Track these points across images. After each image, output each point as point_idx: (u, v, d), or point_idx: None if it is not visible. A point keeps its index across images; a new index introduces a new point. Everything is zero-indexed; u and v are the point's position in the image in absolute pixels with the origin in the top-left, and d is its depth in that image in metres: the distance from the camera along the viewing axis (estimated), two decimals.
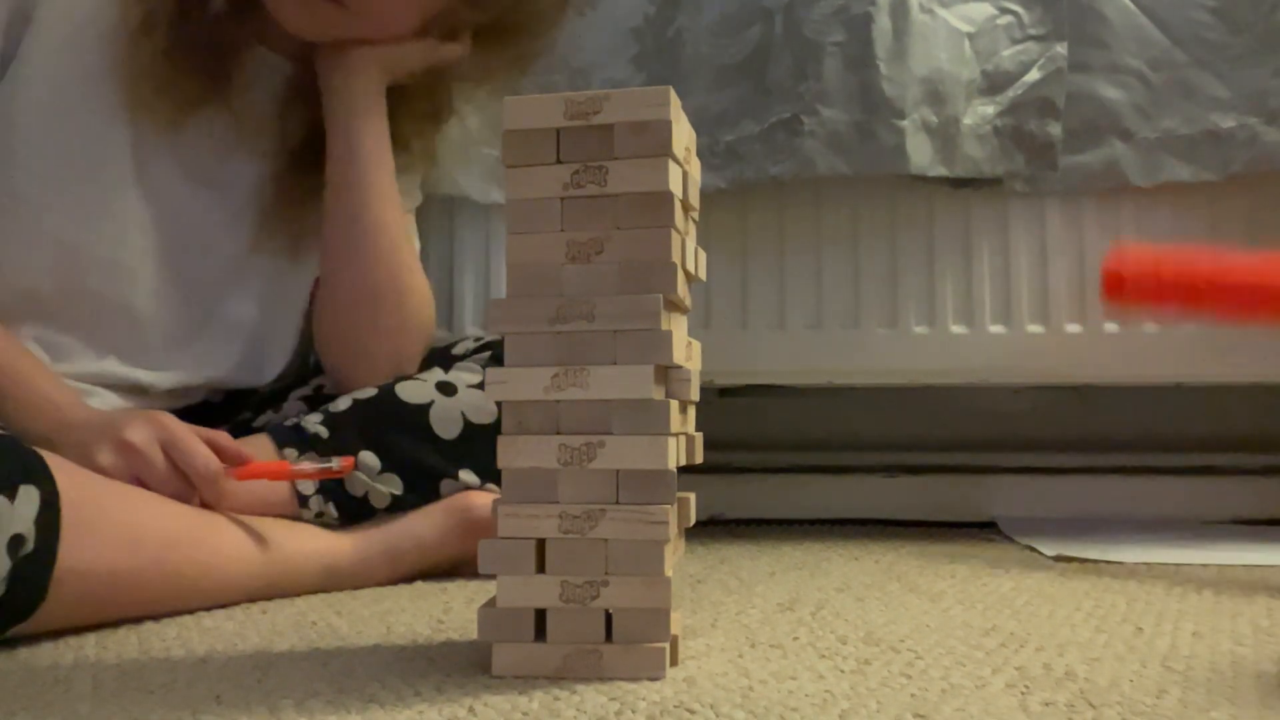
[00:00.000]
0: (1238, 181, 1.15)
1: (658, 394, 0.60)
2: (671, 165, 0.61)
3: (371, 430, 0.95)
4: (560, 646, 0.60)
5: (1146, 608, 0.79)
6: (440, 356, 1.05)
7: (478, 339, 1.08)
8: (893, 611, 0.78)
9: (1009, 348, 1.18)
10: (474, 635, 0.70)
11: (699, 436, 0.69)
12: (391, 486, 0.94)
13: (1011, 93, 1.15)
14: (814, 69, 1.12)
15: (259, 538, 0.86)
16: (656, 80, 1.18)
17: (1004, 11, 1.16)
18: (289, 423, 0.96)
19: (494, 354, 1.04)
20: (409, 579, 0.94)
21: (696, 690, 0.57)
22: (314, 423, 0.95)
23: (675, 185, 0.62)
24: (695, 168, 0.69)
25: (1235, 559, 0.99)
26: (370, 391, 0.98)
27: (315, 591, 0.88)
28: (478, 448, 0.96)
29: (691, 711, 0.53)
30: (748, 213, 1.21)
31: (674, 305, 0.64)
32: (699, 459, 0.68)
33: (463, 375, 1.00)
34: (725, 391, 1.32)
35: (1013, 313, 1.18)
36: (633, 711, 0.54)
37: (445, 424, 0.96)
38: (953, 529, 1.24)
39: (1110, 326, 1.17)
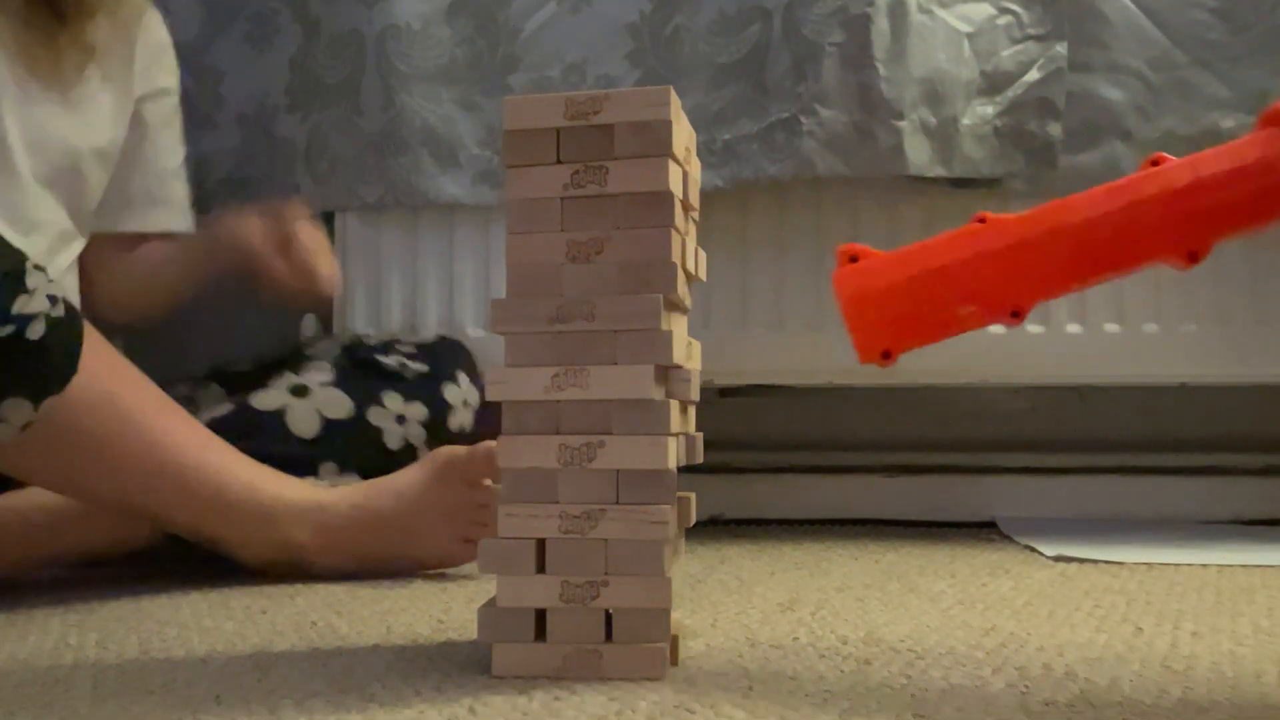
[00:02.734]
0: None
1: (658, 394, 0.60)
2: (672, 165, 0.61)
3: (243, 435, 0.95)
4: (560, 646, 0.60)
5: (1146, 608, 0.79)
6: (293, 358, 1.10)
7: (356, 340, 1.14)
8: (893, 611, 0.78)
9: (1009, 348, 1.18)
10: (474, 635, 0.70)
11: (699, 436, 0.69)
12: None
13: (1011, 93, 1.15)
14: (812, 69, 1.12)
15: (254, 467, 0.90)
16: (652, 77, 1.18)
17: (1003, 11, 1.16)
18: None
19: (351, 355, 1.09)
20: (396, 536, 0.93)
21: (696, 690, 0.57)
22: None
23: (675, 185, 0.62)
24: (695, 168, 0.69)
25: (1235, 559, 0.99)
26: (226, 407, 1.01)
27: (305, 542, 0.90)
28: (337, 443, 1.01)
29: (691, 711, 0.53)
30: (747, 213, 1.21)
31: (674, 305, 0.64)
32: (699, 459, 0.68)
33: (315, 375, 1.06)
34: (725, 391, 1.32)
35: None
36: (633, 711, 0.54)
37: (302, 423, 1.01)
38: (953, 529, 1.24)
39: (1110, 326, 1.18)
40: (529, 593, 0.60)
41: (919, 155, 1.13)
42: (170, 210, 1.16)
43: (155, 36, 1.14)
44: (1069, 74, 1.15)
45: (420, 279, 1.24)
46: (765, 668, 0.62)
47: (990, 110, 1.15)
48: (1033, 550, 1.06)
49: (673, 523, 0.60)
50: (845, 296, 0.63)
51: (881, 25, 1.12)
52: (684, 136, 0.65)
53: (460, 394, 1.09)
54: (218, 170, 1.30)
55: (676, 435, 0.62)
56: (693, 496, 0.67)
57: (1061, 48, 1.15)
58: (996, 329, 1.17)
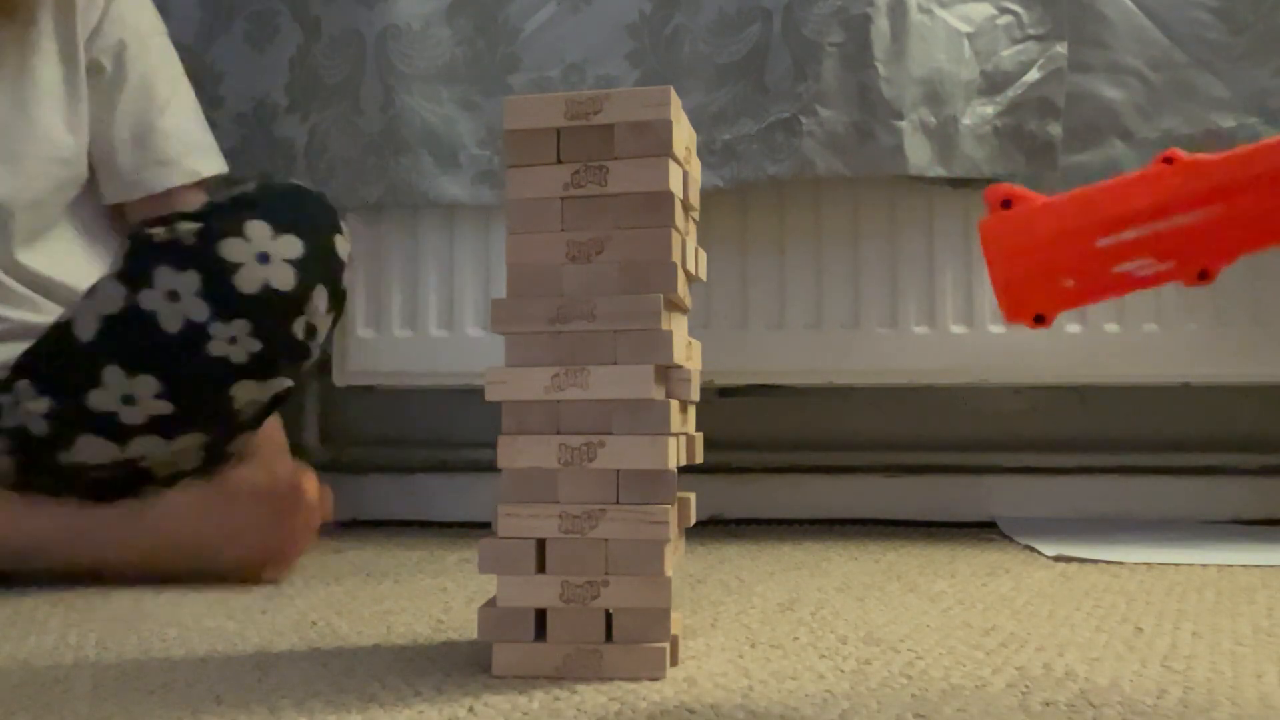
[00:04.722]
0: None
1: (658, 394, 0.60)
2: (672, 165, 0.61)
3: (35, 359, 0.93)
4: (560, 646, 0.60)
5: (1146, 608, 0.79)
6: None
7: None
8: (893, 611, 0.78)
9: (1009, 348, 1.17)
10: (474, 635, 0.70)
11: (699, 436, 0.69)
12: (39, 406, 0.92)
13: (1011, 93, 1.15)
14: (812, 69, 1.12)
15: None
16: (652, 77, 1.18)
17: (1004, 11, 1.16)
18: None
19: (131, 238, 0.94)
20: (177, 555, 0.92)
21: (696, 690, 0.57)
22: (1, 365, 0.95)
23: (675, 185, 0.62)
24: (695, 167, 0.69)
25: (1235, 559, 0.99)
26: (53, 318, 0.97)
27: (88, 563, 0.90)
28: (116, 342, 0.91)
29: (691, 711, 0.53)
30: (747, 212, 1.21)
31: (674, 305, 0.64)
32: (699, 459, 0.68)
33: (107, 272, 0.94)
34: (725, 391, 1.32)
35: None
36: (633, 711, 0.54)
37: (83, 328, 0.92)
38: (953, 529, 1.24)
39: (1110, 326, 1.17)
40: (529, 593, 0.60)
41: (919, 155, 1.13)
42: (168, 168, 1.07)
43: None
44: (1069, 74, 1.15)
45: (420, 279, 1.24)
46: (765, 668, 0.62)
47: (990, 110, 1.15)
48: (1033, 550, 1.06)
49: (673, 523, 0.60)
50: (993, 250, 0.56)
51: (881, 25, 1.12)
52: (684, 136, 0.65)
53: (248, 248, 0.89)
54: None
55: (676, 435, 0.62)
56: (693, 496, 0.67)
57: (1061, 48, 1.15)
58: (996, 328, 1.18)
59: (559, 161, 0.62)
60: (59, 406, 0.92)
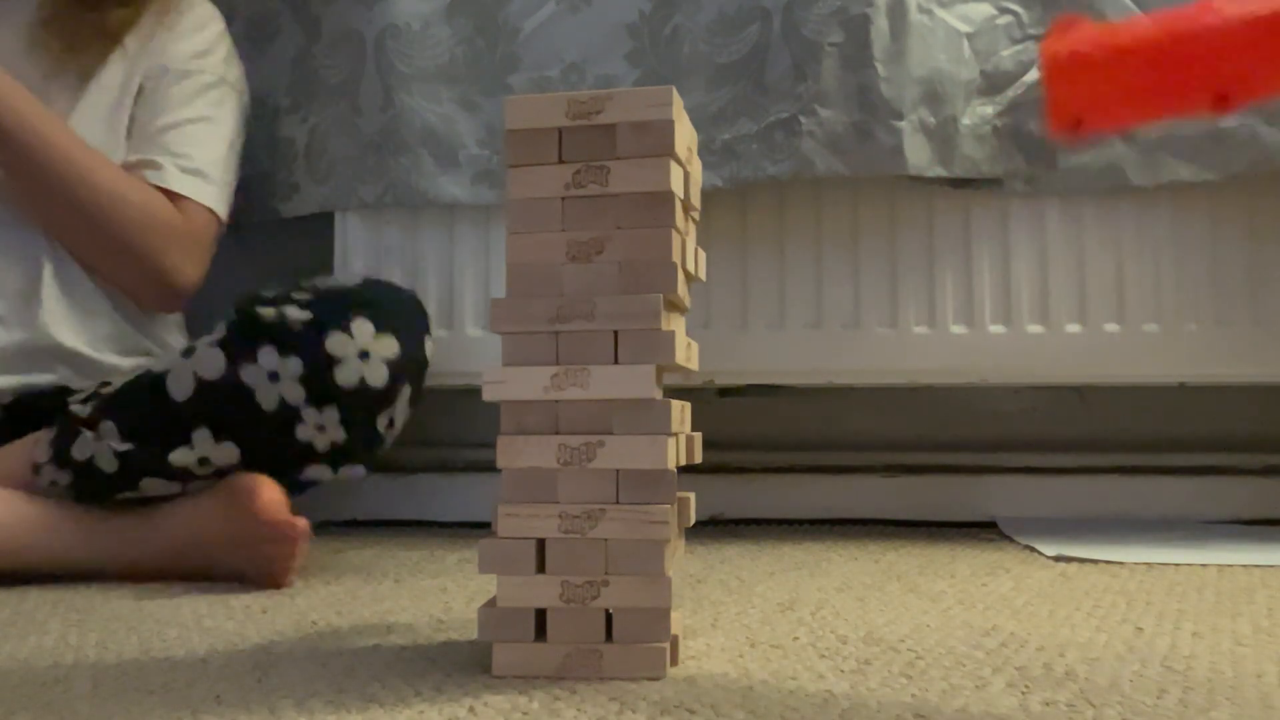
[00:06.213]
0: (1238, 181, 1.15)
1: (658, 394, 0.60)
2: (673, 165, 0.61)
3: (122, 403, 0.96)
4: (560, 646, 0.60)
5: (1146, 608, 0.79)
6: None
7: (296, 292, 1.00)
8: (893, 611, 0.78)
9: (1009, 348, 1.17)
10: (474, 635, 0.70)
11: (699, 436, 0.69)
12: (120, 447, 0.94)
13: (1011, 92, 1.15)
14: (812, 69, 1.12)
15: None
16: (652, 77, 1.18)
17: (1003, 11, 1.16)
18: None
19: (238, 311, 0.97)
20: (183, 560, 0.94)
21: (696, 690, 0.57)
22: (79, 402, 0.98)
23: (677, 185, 0.62)
24: (696, 167, 0.69)
25: (1235, 559, 0.99)
26: (135, 373, 1.00)
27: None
28: (210, 407, 0.94)
29: (691, 711, 0.53)
30: (747, 212, 1.21)
31: (674, 305, 0.64)
32: (699, 459, 0.68)
33: (208, 335, 0.98)
34: (725, 391, 1.32)
35: (1013, 313, 1.18)
36: (633, 711, 0.54)
37: (178, 387, 0.95)
38: (953, 529, 1.24)
39: (1110, 326, 1.17)
40: (529, 593, 0.60)
41: (919, 155, 1.13)
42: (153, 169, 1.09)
43: (187, 20, 1.14)
44: None
45: (420, 279, 1.24)
46: (765, 668, 0.62)
47: (990, 110, 1.15)
48: (1033, 550, 1.06)
49: (673, 522, 0.60)
50: (1046, 56, 0.58)
51: (881, 25, 1.12)
52: (686, 136, 0.65)
53: (352, 345, 0.94)
54: None
55: (676, 435, 0.62)
56: (693, 496, 0.67)
57: None
58: (996, 328, 1.18)
59: (560, 161, 0.62)
60: (141, 455, 0.95)
